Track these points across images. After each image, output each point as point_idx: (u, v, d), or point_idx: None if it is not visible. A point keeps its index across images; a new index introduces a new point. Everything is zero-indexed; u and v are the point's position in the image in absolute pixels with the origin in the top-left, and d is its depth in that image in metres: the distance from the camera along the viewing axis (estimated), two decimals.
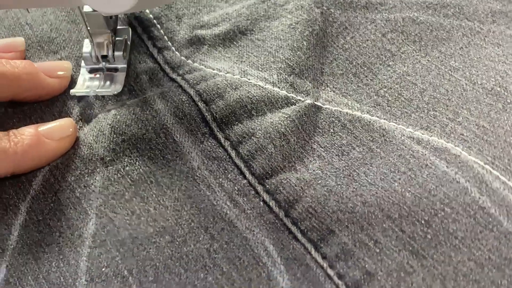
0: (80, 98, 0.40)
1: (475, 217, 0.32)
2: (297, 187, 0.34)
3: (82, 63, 0.41)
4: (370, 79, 0.39)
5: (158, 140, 0.37)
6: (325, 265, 0.32)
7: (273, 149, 0.36)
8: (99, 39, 0.40)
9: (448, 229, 0.32)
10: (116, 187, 0.36)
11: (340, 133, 0.37)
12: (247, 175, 0.35)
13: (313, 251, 0.32)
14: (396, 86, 0.39)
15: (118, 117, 0.38)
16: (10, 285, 0.34)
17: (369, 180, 0.34)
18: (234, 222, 0.34)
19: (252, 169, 0.35)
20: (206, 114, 0.38)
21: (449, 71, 0.39)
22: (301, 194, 0.34)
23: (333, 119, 0.37)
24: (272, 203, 0.34)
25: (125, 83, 0.41)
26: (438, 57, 0.40)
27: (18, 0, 0.33)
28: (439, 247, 0.31)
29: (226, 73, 0.40)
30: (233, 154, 0.36)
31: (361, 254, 0.32)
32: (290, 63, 0.39)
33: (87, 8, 0.38)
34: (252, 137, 0.36)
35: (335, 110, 0.38)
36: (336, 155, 0.36)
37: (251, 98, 0.38)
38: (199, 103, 0.38)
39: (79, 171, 0.37)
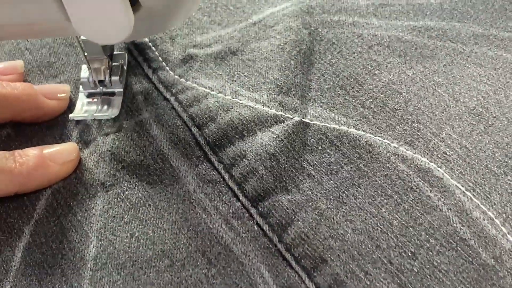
0: (79, 121, 0.42)
1: (457, 249, 0.33)
2: (289, 210, 0.36)
3: (81, 88, 0.43)
4: (357, 91, 0.41)
5: (155, 165, 0.39)
6: None
7: (264, 170, 0.37)
8: (96, 64, 0.41)
9: (433, 262, 0.33)
10: (116, 210, 0.37)
11: (328, 150, 0.38)
12: (240, 198, 0.37)
13: (307, 280, 0.34)
14: (381, 95, 0.40)
15: (117, 143, 0.40)
16: None
17: (358, 204, 0.36)
18: (230, 246, 0.35)
19: (245, 191, 0.37)
20: (200, 138, 0.39)
21: (433, 86, 0.41)
22: (293, 218, 0.35)
23: (321, 135, 0.39)
24: (265, 227, 0.36)
25: (122, 105, 0.42)
26: (423, 71, 0.42)
27: (14, 32, 0.34)
28: (424, 281, 0.33)
29: (218, 93, 0.41)
30: (226, 176, 0.38)
31: (353, 285, 0.33)
32: (278, 83, 0.41)
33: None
34: (244, 159, 0.38)
35: (322, 126, 0.39)
36: (325, 174, 0.37)
37: (241, 119, 0.39)
38: (192, 128, 0.40)
39: (81, 196, 0.38)
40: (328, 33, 0.44)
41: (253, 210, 0.36)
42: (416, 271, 0.33)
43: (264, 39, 0.44)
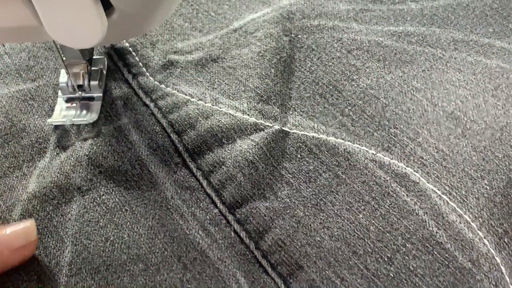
0: (57, 126, 0.41)
1: (433, 253, 0.34)
2: (266, 217, 0.36)
3: (59, 93, 0.42)
4: (336, 98, 0.41)
5: (133, 171, 0.39)
6: None
7: (242, 177, 0.37)
8: (75, 69, 0.41)
9: (409, 267, 0.33)
10: (92, 214, 0.37)
11: (307, 158, 0.38)
12: (218, 204, 0.37)
13: (283, 287, 0.34)
14: (359, 102, 0.40)
15: (95, 148, 0.40)
16: None
17: (336, 211, 0.36)
18: (207, 252, 0.35)
19: (222, 198, 0.37)
20: (179, 145, 0.39)
21: (411, 91, 0.41)
22: (270, 225, 0.35)
23: (300, 144, 0.39)
24: (242, 234, 0.36)
25: (101, 109, 0.42)
26: (401, 76, 0.42)
27: None
28: (400, 286, 0.33)
29: (198, 100, 0.41)
30: (204, 183, 0.38)
31: None
32: (258, 91, 0.41)
33: None
34: (222, 166, 0.38)
35: (302, 134, 0.39)
36: (303, 182, 0.37)
37: (221, 127, 0.39)
38: (171, 135, 0.40)
39: (57, 200, 0.38)
40: (308, 39, 0.44)
41: (230, 217, 0.36)
42: (392, 276, 0.33)
43: (244, 46, 0.44)
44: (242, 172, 0.37)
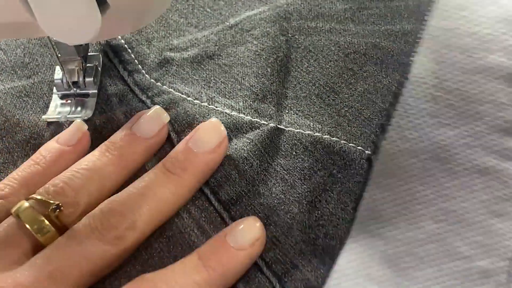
0: (51, 123, 0.41)
1: None
2: (261, 214, 0.36)
3: (54, 89, 0.42)
4: (332, 99, 0.41)
5: None
6: None
7: (237, 175, 0.37)
8: (70, 65, 0.41)
9: None
10: None
11: (302, 156, 0.38)
12: (213, 202, 0.37)
13: (277, 286, 0.34)
14: (357, 104, 0.40)
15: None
16: None
17: (331, 209, 0.36)
18: None
19: (218, 196, 0.37)
20: (175, 142, 0.39)
21: None
22: (265, 222, 0.35)
23: (295, 141, 0.38)
24: None
25: (96, 106, 0.42)
26: (398, 80, 0.41)
27: None
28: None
29: (194, 99, 0.41)
30: None
31: None
32: (254, 90, 0.41)
33: None
34: (218, 165, 0.38)
35: (297, 132, 0.39)
36: (298, 179, 0.37)
37: None
38: (171, 133, 0.39)
39: None
40: (305, 40, 0.44)
41: (225, 214, 0.36)
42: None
43: (241, 44, 0.44)
44: (237, 169, 0.37)
